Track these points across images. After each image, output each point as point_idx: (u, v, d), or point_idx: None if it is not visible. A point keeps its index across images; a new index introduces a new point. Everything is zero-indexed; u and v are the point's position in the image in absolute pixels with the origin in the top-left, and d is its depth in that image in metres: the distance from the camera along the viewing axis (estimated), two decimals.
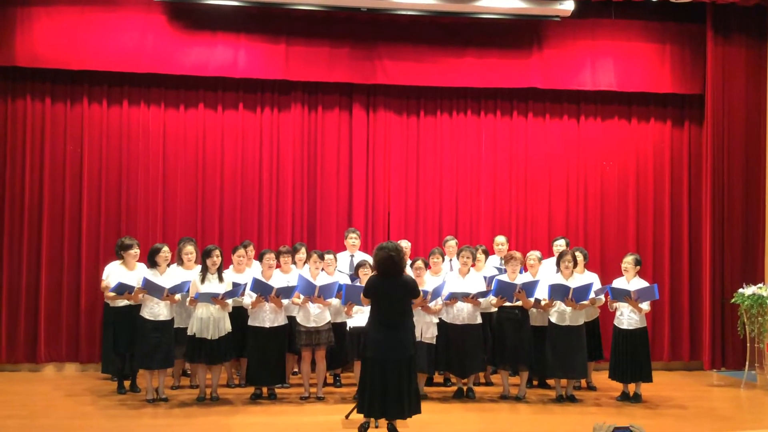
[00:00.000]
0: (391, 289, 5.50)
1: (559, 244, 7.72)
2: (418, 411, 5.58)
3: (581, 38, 8.71)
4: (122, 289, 6.60)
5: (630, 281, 6.98)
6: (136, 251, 6.90)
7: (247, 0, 8.03)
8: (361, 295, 5.73)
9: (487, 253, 7.65)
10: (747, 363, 7.95)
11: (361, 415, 5.63)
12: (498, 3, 8.14)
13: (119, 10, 8.08)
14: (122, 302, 6.81)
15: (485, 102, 8.86)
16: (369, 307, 5.71)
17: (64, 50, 7.97)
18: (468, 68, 8.55)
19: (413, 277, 6.76)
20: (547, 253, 7.89)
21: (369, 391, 5.44)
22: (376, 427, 5.65)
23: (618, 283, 7.00)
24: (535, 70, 8.64)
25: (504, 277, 6.98)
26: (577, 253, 7.21)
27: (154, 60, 8.12)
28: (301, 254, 7.29)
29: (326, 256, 7.05)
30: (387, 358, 5.39)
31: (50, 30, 7.95)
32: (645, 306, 6.90)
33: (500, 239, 7.96)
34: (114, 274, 6.86)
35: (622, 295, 6.83)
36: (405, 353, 5.45)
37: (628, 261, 7.04)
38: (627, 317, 6.93)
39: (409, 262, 7.25)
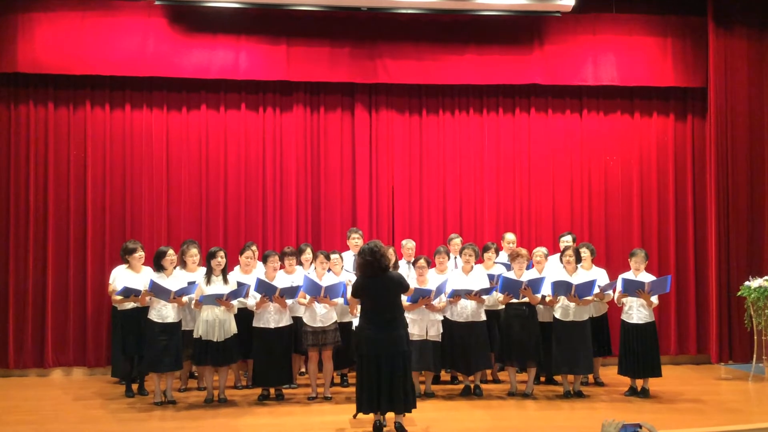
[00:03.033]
0: (378, 289, 5.54)
1: (566, 240, 7.72)
2: (414, 406, 5.62)
3: (582, 33, 8.70)
4: (128, 293, 6.63)
5: (637, 276, 6.97)
6: (140, 254, 6.93)
7: (247, 2, 8.03)
8: (349, 296, 5.75)
9: (498, 251, 7.65)
10: (754, 356, 7.93)
11: (371, 415, 5.64)
12: (498, 0, 8.13)
13: (120, 14, 8.09)
14: (130, 305, 6.83)
15: (487, 99, 8.86)
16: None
17: (66, 55, 7.98)
18: (469, 65, 8.55)
19: (416, 276, 6.81)
20: (553, 249, 7.88)
21: (366, 387, 5.49)
22: (385, 426, 5.66)
23: (628, 277, 6.98)
24: (536, 66, 8.63)
25: (510, 274, 6.99)
26: (584, 249, 7.21)
27: (156, 63, 8.14)
28: (307, 255, 7.30)
29: (332, 256, 7.07)
30: (381, 354, 5.45)
31: (52, 36, 7.97)
32: (654, 299, 6.89)
33: (510, 237, 7.96)
34: (120, 277, 6.89)
35: (635, 288, 6.80)
36: (399, 348, 5.50)
37: (640, 257, 7.01)
38: (637, 311, 6.91)
39: (412, 260, 7.28)
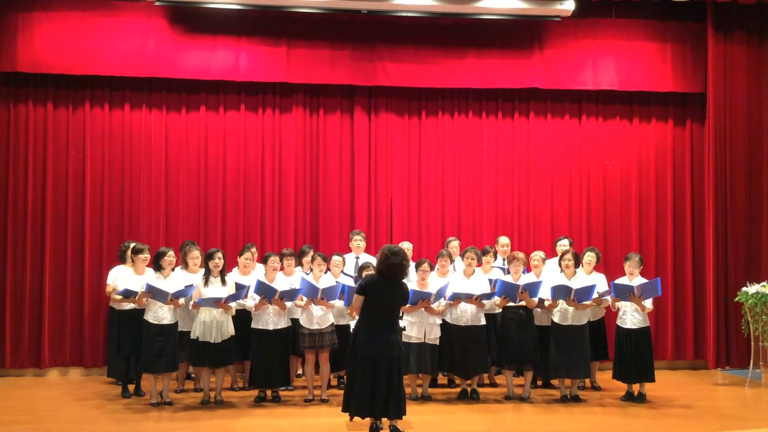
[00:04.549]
0: (390, 292, 5.51)
1: (563, 244, 7.73)
2: (404, 413, 5.58)
3: (582, 38, 8.71)
4: (128, 294, 6.62)
5: (632, 280, 6.96)
6: (146, 256, 6.90)
7: (248, 3, 8.03)
8: (354, 294, 5.63)
9: (496, 255, 7.65)
10: (751, 361, 7.94)
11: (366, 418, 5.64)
12: (498, 4, 8.14)
13: (120, 14, 8.10)
14: (128, 305, 6.82)
15: (486, 103, 8.86)
16: None
17: (66, 55, 7.99)
18: (469, 69, 8.56)
19: (418, 279, 6.81)
20: (551, 253, 7.89)
21: (358, 391, 5.45)
22: (381, 428, 5.65)
23: (621, 281, 6.99)
24: (536, 70, 8.63)
25: (507, 278, 6.99)
26: (590, 254, 7.19)
27: (156, 64, 8.14)
28: (309, 257, 7.29)
29: (335, 258, 7.08)
30: (378, 358, 5.42)
31: (52, 35, 7.97)
32: (648, 304, 6.88)
33: (504, 240, 7.96)
34: (122, 277, 6.86)
35: (626, 292, 6.81)
36: (394, 352, 5.49)
37: (634, 262, 7.01)
38: (630, 316, 6.92)
39: (413, 264, 7.27)
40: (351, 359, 5.58)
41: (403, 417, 5.60)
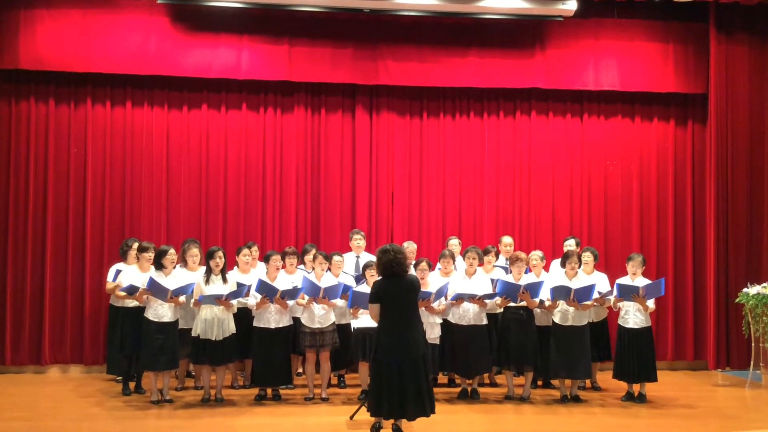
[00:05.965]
0: (398, 290, 5.49)
1: (569, 244, 7.72)
2: (434, 409, 5.57)
3: (584, 38, 8.71)
4: (132, 291, 6.63)
5: (634, 280, 6.97)
6: (151, 255, 6.90)
7: (250, 1, 8.03)
8: (369, 304, 5.60)
9: (498, 254, 7.64)
10: (752, 362, 7.94)
11: (368, 416, 5.64)
12: (501, 3, 8.14)
13: (122, 12, 8.10)
14: (131, 303, 6.82)
15: (488, 102, 8.86)
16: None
17: (68, 53, 7.99)
18: (471, 69, 8.55)
19: (419, 277, 6.80)
20: (552, 253, 7.88)
21: (386, 393, 5.40)
22: (382, 427, 5.65)
23: (624, 281, 6.99)
24: (537, 70, 8.63)
25: (508, 278, 6.99)
26: (588, 253, 7.20)
27: (158, 62, 8.14)
28: (311, 255, 7.30)
29: (335, 258, 7.08)
30: (402, 359, 5.39)
31: (54, 33, 7.97)
32: (651, 304, 6.88)
33: (507, 240, 7.96)
34: (127, 274, 6.87)
35: (630, 293, 6.81)
36: (419, 351, 5.47)
37: (636, 262, 7.02)
38: (633, 316, 6.92)
39: (413, 262, 7.27)
40: (374, 362, 5.52)
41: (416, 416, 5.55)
